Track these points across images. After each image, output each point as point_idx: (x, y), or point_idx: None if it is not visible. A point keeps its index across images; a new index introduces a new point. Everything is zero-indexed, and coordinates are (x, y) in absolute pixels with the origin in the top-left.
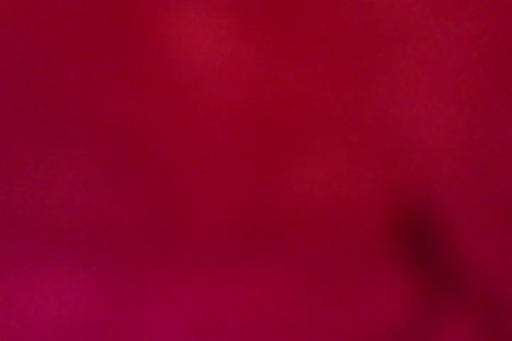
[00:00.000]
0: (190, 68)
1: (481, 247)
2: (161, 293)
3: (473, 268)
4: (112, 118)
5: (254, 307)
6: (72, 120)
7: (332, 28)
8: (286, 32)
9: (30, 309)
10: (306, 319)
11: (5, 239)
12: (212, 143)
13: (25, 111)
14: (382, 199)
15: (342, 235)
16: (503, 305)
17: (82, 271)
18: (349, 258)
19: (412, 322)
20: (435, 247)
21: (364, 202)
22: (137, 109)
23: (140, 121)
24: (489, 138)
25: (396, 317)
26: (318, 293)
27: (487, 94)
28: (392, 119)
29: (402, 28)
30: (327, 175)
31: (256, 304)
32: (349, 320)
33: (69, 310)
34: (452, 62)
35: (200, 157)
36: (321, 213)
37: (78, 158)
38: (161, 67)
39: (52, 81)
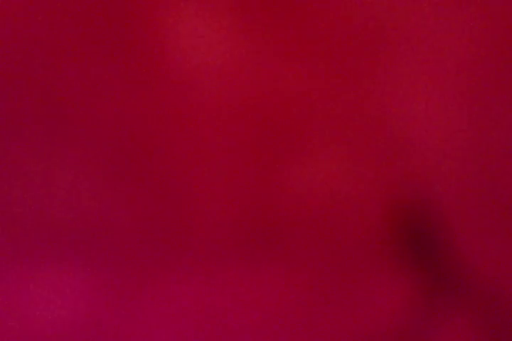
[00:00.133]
0: (190, 68)
1: (481, 247)
2: (161, 293)
3: (473, 268)
4: (112, 118)
5: (254, 307)
6: (72, 120)
7: (332, 28)
8: (286, 32)
9: (30, 309)
10: (306, 319)
11: (5, 239)
12: (212, 143)
13: (25, 111)
14: (382, 199)
15: (342, 235)
16: (503, 305)
17: (82, 271)
18: (349, 258)
19: (412, 321)
20: (435, 247)
21: (364, 202)
22: (137, 109)
23: (140, 121)
24: (489, 137)
25: (396, 317)
26: (318, 293)
27: (487, 93)
28: (392, 119)
29: (402, 28)
30: (327, 175)
31: (256, 304)
32: (349, 320)
33: (69, 310)
34: (452, 62)
35: (200, 157)
36: (321, 213)
37: (78, 158)
38: (161, 67)
39: (52, 81)
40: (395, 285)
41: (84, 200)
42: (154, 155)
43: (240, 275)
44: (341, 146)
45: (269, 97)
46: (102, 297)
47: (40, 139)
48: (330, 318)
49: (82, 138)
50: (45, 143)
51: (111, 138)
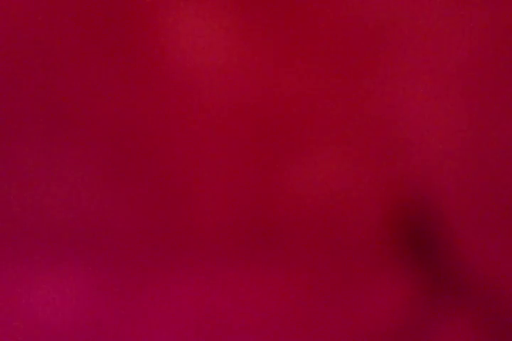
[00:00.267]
0: (190, 68)
1: (481, 247)
2: (161, 293)
3: (473, 268)
4: (112, 118)
5: (254, 307)
6: (72, 120)
7: (332, 28)
8: (286, 32)
9: (30, 309)
10: (306, 319)
11: (5, 239)
12: (212, 143)
13: (25, 111)
14: (382, 199)
15: (342, 235)
16: (503, 304)
17: (82, 271)
18: (349, 258)
19: (412, 321)
20: (435, 247)
21: (364, 202)
22: (137, 108)
23: (140, 121)
24: (489, 137)
25: (396, 316)
26: (318, 293)
27: (487, 93)
28: (392, 119)
29: (402, 28)
30: (327, 175)
31: (256, 304)
32: (349, 319)
33: (69, 310)
34: (452, 62)
35: (200, 157)
36: (321, 213)
37: (78, 158)
38: (160, 66)
39: (53, 81)
40: (395, 285)
41: (84, 200)
42: (154, 155)
43: (240, 275)
44: (341, 146)
45: (269, 97)
46: (102, 297)
47: (40, 139)
48: (330, 318)
49: (82, 138)
50: (45, 143)
51: (111, 138)
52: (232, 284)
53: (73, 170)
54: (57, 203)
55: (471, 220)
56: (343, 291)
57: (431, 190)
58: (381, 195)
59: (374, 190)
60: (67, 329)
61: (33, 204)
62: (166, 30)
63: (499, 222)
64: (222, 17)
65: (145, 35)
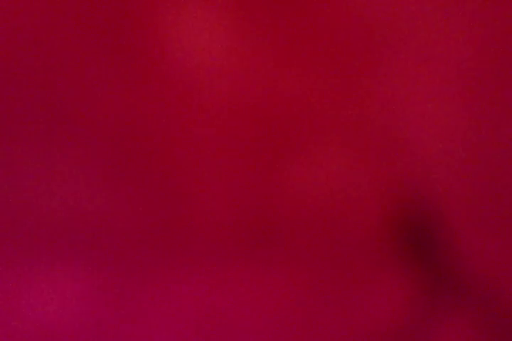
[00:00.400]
0: (189, 68)
1: (481, 247)
2: (161, 293)
3: (473, 268)
4: (112, 117)
5: (254, 307)
6: (72, 120)
7: (332, 28)
8: (286, 32)
9: (29, 309)
10: (306, 319)
11: (5, 239)
12: (212, 143)
13: (25, 111)
14: (382, 199)
15: (342, 235)
16: (503, 304)
17: (82, 271)
18: (349, 258)
19: (412, 321)
20: (435, 247)
21: (364, 202)
22: (137, 108)
23: (140, 121)
24: (490, 137)
25: (396, 316)
26: (318, 293)
27: (487, 93)
28: (392, 119)
29: (401, 29)
30: (327, 175)
31: (256, 304)
32: (349, 319)
33: (69, 310)
34: (453, 62)
35: (200, 157)
36: (321, 213)
37: (78, 158)
38: (160, 66)
39: (53, 80)
40: (394, 284)
41: (84, 200)
42: (154, 155)
43: (240, 275)
44: (341, 146)
45: (269, 97)
46: (102, 297)
47: (40, 139)
48: (330, 318)
49: (81, 138)
50: (45, 143)
51: (111, 138)
52: (232, 284)
53: (73, 170)
54: (57, 203)
55: (471, 220)
56: (343, 291)
57: (431, 189)
58: (381, 194)
59: (374, 190)
60: (67, 329)
61: (33, 204)
62: (166, 30)
63: (499, 222)
64: (222, 17)
65: (145, 35)
